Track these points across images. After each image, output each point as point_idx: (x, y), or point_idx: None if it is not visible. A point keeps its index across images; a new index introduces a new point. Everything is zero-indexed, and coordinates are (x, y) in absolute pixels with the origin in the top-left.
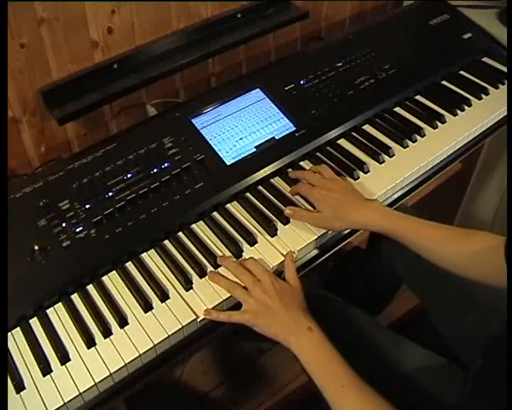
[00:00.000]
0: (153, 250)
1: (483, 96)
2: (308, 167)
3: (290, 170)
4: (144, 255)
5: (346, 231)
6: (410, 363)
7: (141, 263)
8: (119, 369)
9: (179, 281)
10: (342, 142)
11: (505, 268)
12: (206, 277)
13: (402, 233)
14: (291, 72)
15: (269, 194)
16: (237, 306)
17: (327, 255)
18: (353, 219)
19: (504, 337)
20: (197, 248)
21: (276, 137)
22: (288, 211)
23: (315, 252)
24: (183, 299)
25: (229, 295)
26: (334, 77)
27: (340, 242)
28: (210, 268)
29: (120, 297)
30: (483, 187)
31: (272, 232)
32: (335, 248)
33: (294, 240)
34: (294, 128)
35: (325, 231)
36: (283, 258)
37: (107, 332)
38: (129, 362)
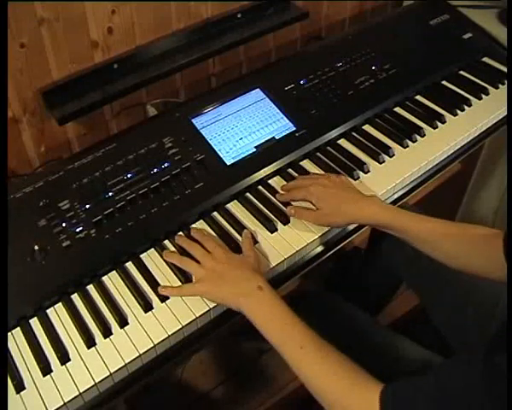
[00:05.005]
0: (153, 250)
1: (483, 96)
2: (307, 168)
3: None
4: (144, 255)
5: (345, 231)
6: (410, 363)
7: (141, 263)
8: (119, 369)
9: (180, 281)
10: (342, 142)
11: (502, 261)
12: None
13: (401, 227)
14: (291, 72)
15: (269, 194)
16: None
17: (327, 255)
18: (353, 213)
19: (504, 337)
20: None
21: (276, 137)
22: (289, 210)
23: (315, 252)
24: (184, 299)
25: None
26: (334, 77)
27: (340, 242)
28: None
29: (120, 297)
30: (483, 187)
31: (272, 232)
32: (335, 248)
33: (294, 240)
34: (294, 128)
35: (325, 230)
36: (283, 258)
37: (107, 332)
38: (129, 362)
